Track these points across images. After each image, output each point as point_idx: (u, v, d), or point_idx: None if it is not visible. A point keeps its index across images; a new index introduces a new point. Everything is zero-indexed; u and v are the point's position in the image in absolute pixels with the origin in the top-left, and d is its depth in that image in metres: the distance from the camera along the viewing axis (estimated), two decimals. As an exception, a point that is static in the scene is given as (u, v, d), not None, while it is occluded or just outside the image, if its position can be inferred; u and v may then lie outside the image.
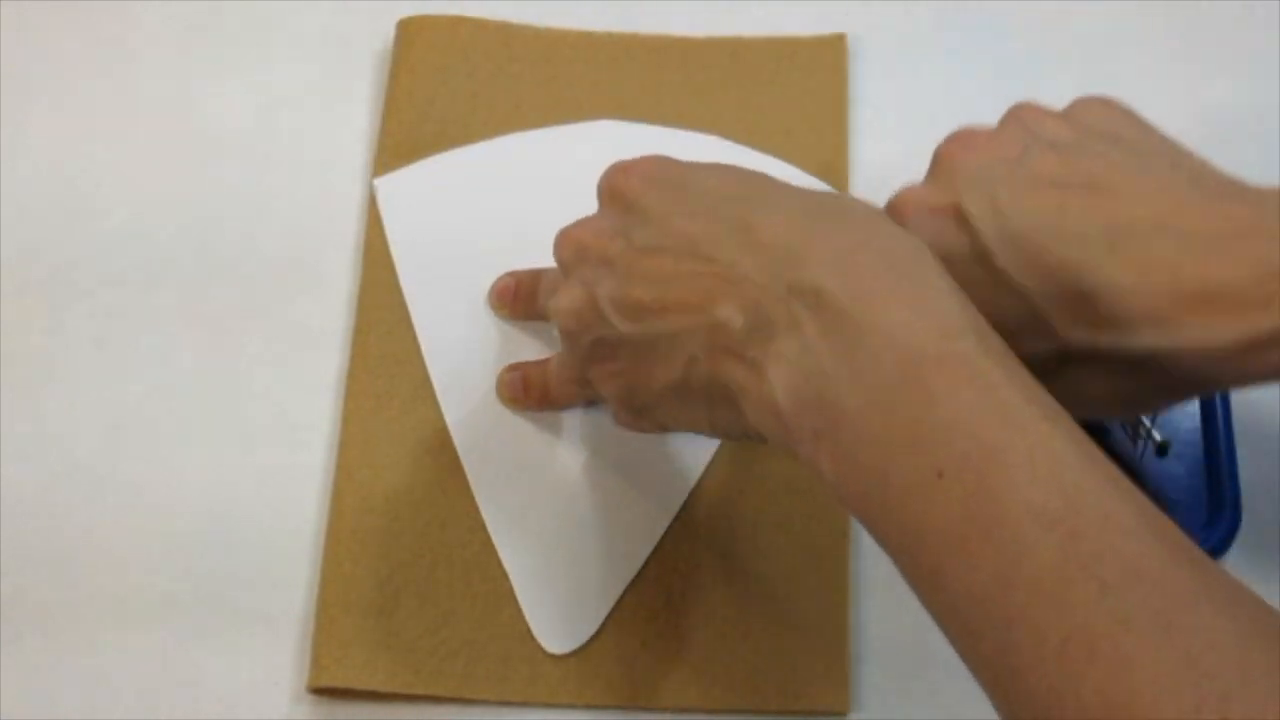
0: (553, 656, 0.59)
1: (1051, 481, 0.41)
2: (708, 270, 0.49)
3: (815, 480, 0.60)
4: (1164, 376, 0.49)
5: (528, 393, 0.62)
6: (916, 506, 0.42)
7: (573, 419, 0.63)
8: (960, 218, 0.51)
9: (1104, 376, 0.50)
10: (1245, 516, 0.60)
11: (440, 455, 0.62)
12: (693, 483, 0.62)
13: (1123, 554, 0.39)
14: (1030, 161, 0.52)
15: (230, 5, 0.75)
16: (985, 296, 0.48)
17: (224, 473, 0.63)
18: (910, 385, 0.43)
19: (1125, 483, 0.42)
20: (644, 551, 0.61)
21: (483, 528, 0.61)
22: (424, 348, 0.65)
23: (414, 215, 0.68)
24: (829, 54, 0.72)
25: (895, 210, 0.53)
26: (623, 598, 0.60)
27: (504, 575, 0.60)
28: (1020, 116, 0.55)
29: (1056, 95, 0.72)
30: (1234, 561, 0.60)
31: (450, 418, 0.63)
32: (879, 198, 0.54)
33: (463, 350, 0.64)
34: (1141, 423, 0.61)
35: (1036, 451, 0.41)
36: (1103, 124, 0.54)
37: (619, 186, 0.53)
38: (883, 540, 0.44)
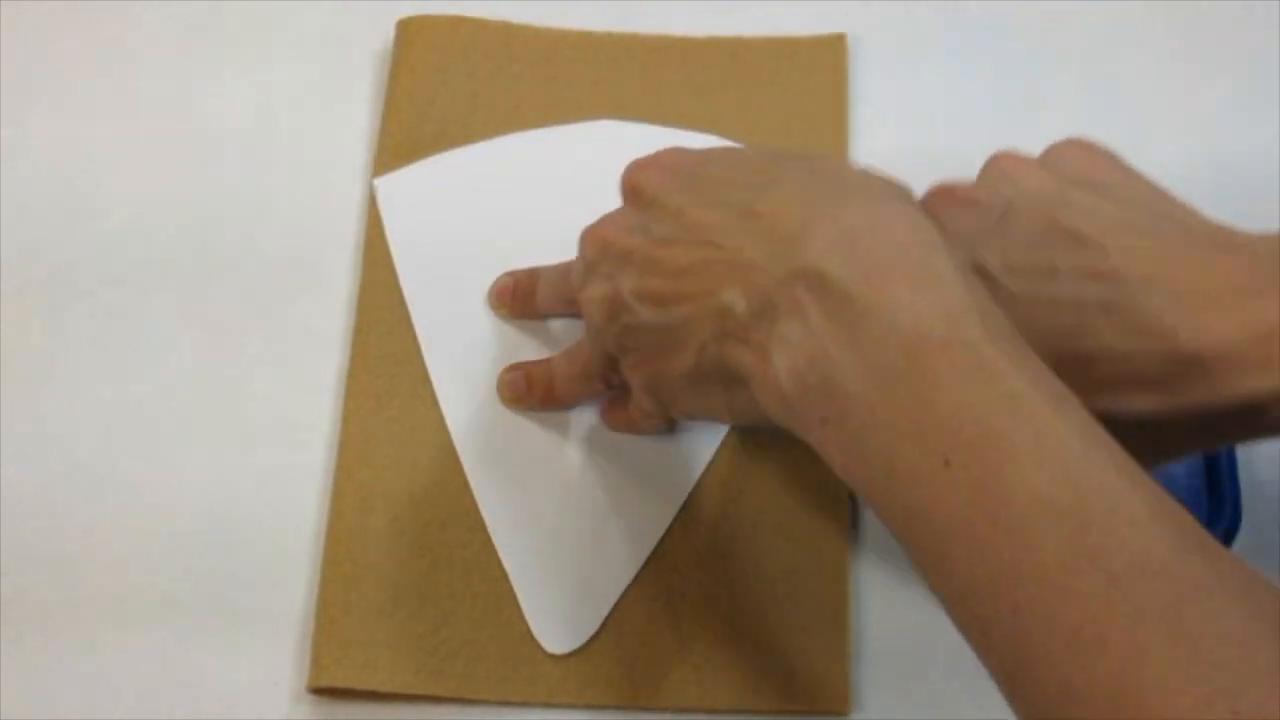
0: (553, 656, 0.59)
1: (1059, 470, 0.41)
2: (716, 257, 0.49)
3: (815, 480, 0.61)
4: (1165, 436, 0.49)
5: (530, 392, 0.62)
6: (923, 494, 0.42)
7: (573, 419, 0.63)
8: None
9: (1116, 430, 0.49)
10: (1245, 516, 0.60)
11: (440, 455, 0.62)
12: (693, 483, 0.62)
13: (1131, 544, 0.39)
14: (1014, 220, 0.51)
15: (230, 5, 0.75)
16: None
17: (224, 473, 0.63)
18: (914, 371, 0.43)
19: (1134, 468, 0.41)
20: (644, 551, 0.61)
21: (483, 528, 0.61)
22: (424, 348, 0.65)
23: (414, 215, 0.68)
24: (829, 54, 0.72)
25: None
26: (623, 598, 0.60)
27: (504, 575, 0.60)
28: (1001, 168, 0.54)
29: (1056, 95, 0.73)
30: (1234, 561, 0.60)
31: (450, 418, 0.63)
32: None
33: (463, 350, 0.64)
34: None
35: (1043, 439, 0.41)
36: (1084, 171, 0.53)
37: (639, 183, 0.53)
38: (891, 526, 0.44)
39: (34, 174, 0.70)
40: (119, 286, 0.67)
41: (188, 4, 0.75)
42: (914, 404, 0.43)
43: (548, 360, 0.63)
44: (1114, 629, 0.38)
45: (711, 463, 0.62)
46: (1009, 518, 0.40)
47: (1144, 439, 0.48)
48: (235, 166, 0.70)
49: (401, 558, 0.60)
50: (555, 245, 0.64)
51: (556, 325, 0.65)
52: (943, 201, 0.53)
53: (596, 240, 0.55)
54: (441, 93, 0.71)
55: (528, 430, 0.63)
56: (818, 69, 0.72)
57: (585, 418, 0.63)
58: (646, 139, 0.69)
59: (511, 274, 0.65)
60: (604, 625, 0.59)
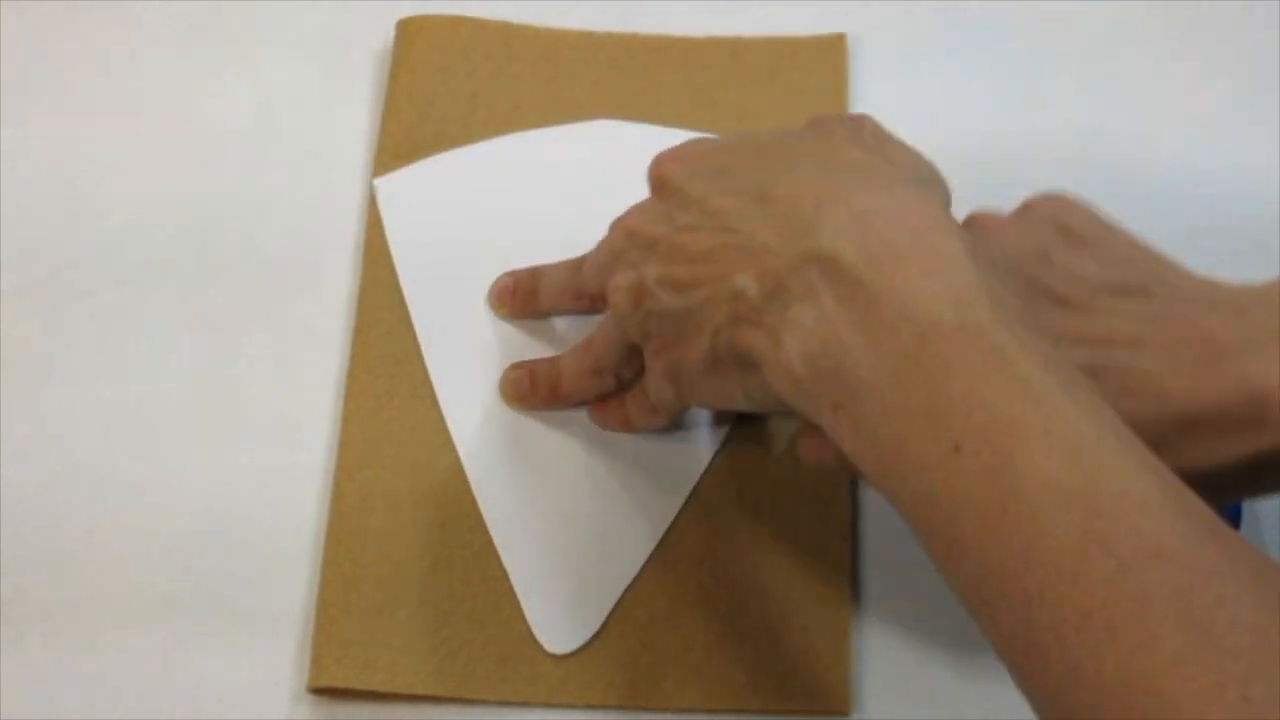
0: (553, 656, 0.59)
1: (1069, 456, 0.41)
2: (732, 242, 0.49)
3: (815, 480, 0.61)
4: None
5: (535, 390, 0.62)
6: (934, 480, 0.42)
7: (574, 419, 0.63)
8: None
9: None
10: (1245, 516, 0.60)
11: (440, 455, 0.62)
12: (693, 483, 0.62)
13: (1142, 531, 0.39)
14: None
15: (230, 5, 0.75)
16: None
17: (224, 473, 0.63)
18: (925, 356, 0.43)
19: (1144, 453, 0.42)
20: (644, 552, 0.61)
21: (483, 528, 0.61)
22: (424, 348, 0.65)
23: (414, 215, 0.68)
24: (829, 54, 0.72)
25: None
26: (623, 598, 0.60)
27: (504, 575, 0.60)
28: (979, 228, 0.54)
29: (1056, 95, 0.73)
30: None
31: (450, 418, 0.63)
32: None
33: (463, 350, 0.64)
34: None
35: (1054, 425, 0.41)
36: (1063, 227, 0.53)
37: (664, 174, 0.54)
38: (902, 511, 0.44)
39: (34, 174, 0.70)
40: (119, 286, 0.67)
41: (188, 4, 0.75)
42: (924, 389, 0.43)
43: (553, 358, 0.63)
44: (1124, 615, 0.38)
45: (712, 463, 0.62)
46: (1019, 504, 0.40)
47: None
48: (235, 166, 0.70)
49: (401, 558, 0.60)
50: (555, 245, 0.64)
51: (557, 325, 0.65)
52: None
53: (623, 230, 0.55)
54: (441, 93, 0.71)
55: (528, 430, 0.63)
56: (818, 69, 0.72)
57: (586, 418, 0.63)
58: (646, 139, 0.69)
59: (511, 274, 0.65)
60: (604, 625, 0.59)
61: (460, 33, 0.72)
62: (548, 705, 0.58)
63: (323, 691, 0.58)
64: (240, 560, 0.61)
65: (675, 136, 0.69)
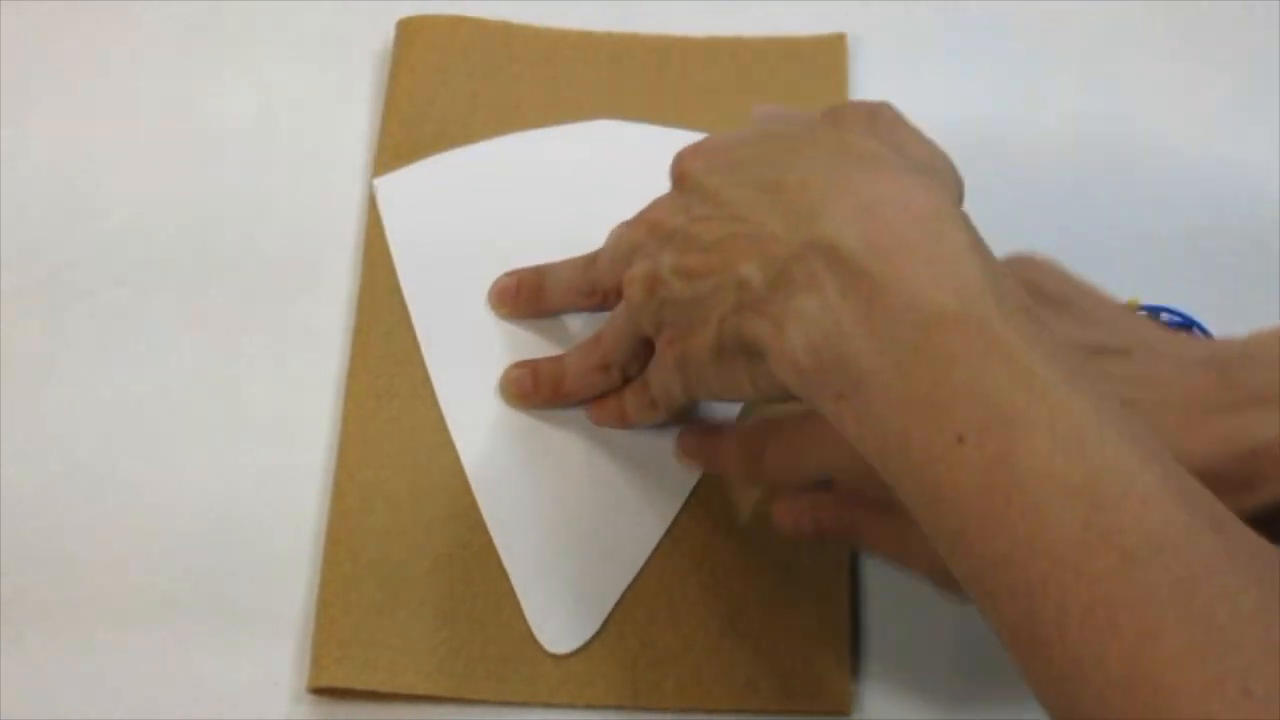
0: (553, 656, 0.59)
1: (1072, 448, 0.41)
2: (741, 231, 0.49)
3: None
4: None
5: (537, 389, 0.62)
6: (938, 471, 0.42)
7: (574, 419, 0.63)
8: None
9: None
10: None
11: (440, 455, 0.62)
12: (693, 483, 0.62)
13: (1144, 522, 0.39)
14: None
15: (230, 5, 0.75)
16: None
17: (224, 473, 0.63)
18: (928, 348, 0.43)
19: (1148, 444, 0.42)
20: (644, 552, 0.61)
21: (483, 528, 0.61)
22: (424, 348, 0.65)
23: (414, 215, 0.68)
24: (829, 54, 0.72)
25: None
26: (623, 598, 0.60)
27: (504, 575, 0.60)
28: None
29: (1056, 95, 0.73)
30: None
31: (451, 417, 0.63)
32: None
33: (463, 350, 0.64)
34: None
35: (1057, 416, 0.41)
36: (1038, 289, 0.53)
37: (684, 168, 0.54)
38: (906, 501, 0.44)
39: (34, 174, 0.70)
40: (119, 286, 0.67)
41: (188, 4, 0.75)
42: (928, 380, 0.43)
43: (556, 356, 0.63)
44: (1126, 608, 0.38)
45: (711, 463, 0.62)
46: (1022, 495, 0.41)
47: None
48: (235, 166, 0.70)
49: (401, 558, 0.60)
50: (555, 245, 0.64)
51: (558, 324, 0.65)
52: None
53: (644, 222, 0.55)
54: (441, 93, 0.71)
55: (528, 430, 0.63)
56: (818, 69, 0.72)
57: (587, 418, 0.63)
58: (646, 139, 0.70)
59: (513, 273, 0.65)
60: (604, 625, 0.59)
61: (460, 33, 0.72)
62: (548, 705, 0.58)
63: (323, 691, 0.58)
64: (240, 560, 0.61)
65: (675, 136, 0.69)
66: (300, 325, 0.66)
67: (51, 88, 0.72)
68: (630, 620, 0.59)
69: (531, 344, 0.64)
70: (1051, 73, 0.73)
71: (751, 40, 0.73)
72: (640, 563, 0.60)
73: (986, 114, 0.72)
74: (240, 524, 0.62)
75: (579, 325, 0.64)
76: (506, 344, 0.64)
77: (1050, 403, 0.42)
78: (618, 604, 0.60)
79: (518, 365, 0.63)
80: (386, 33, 0.73)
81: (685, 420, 0.61)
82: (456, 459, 0.62)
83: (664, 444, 0.62)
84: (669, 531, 0.61)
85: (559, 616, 0.59)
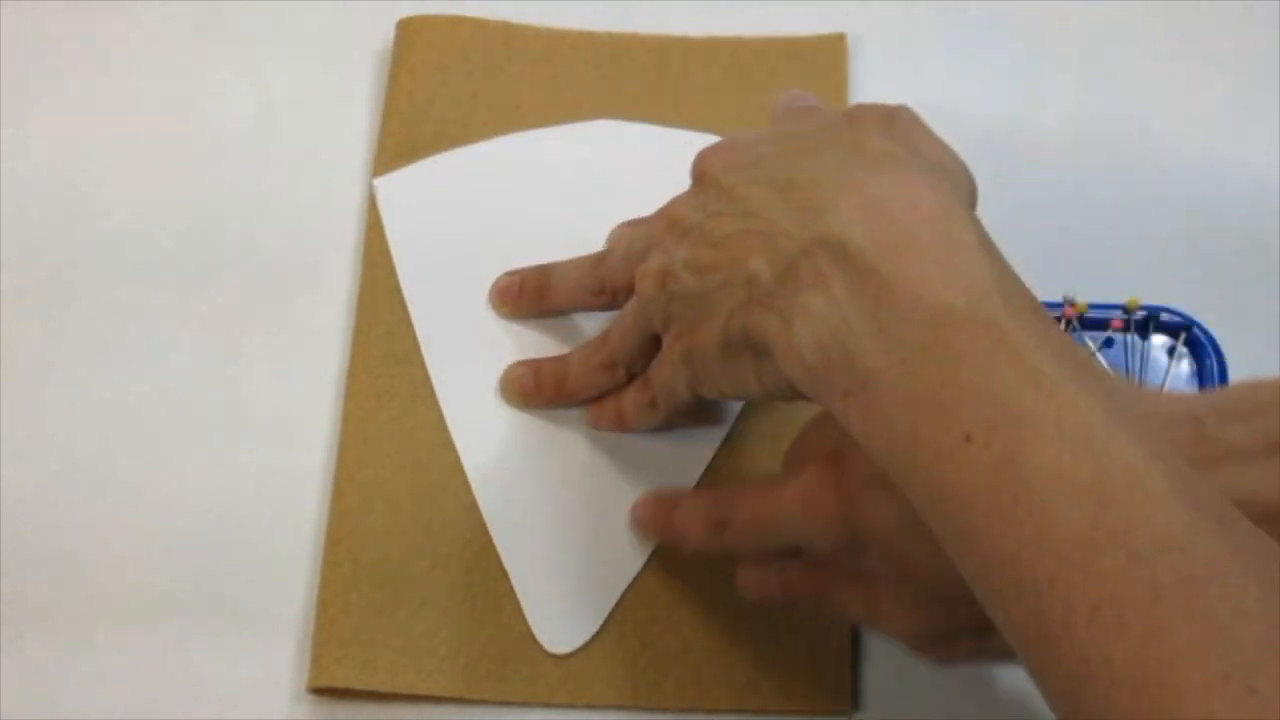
0: (553, 656, 0.59)
1: (1080, 447, 0.41)
2: (752, 227, 0.50)
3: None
4: None
5: (539, 388, 0.62)
6: (945, 469, 0.42)
7: (575, 419, 0.63)
8: (891, 486, 0.50)
9: None
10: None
11: (440, 455, 0.62)
12: (693, 482, 0.62)
13: (1152, 521, 0.39)
14: None
15: (230, 5, 0.75)
16: (936, 565, 0.47)
17: (224, 473, 0.63)
18: (936, 346, 0.43)
19: (1155, 442, 0.42)
20: (644, 551, 0.61)
21: (483, 528, 0.61)
22: (424, 348, 0.65)
23: (414, 215, 0.68)
24: (829, 54, 0.72)
25: (804, 499, 0.52)
26: (623, 598, 0.60)
27: (504, 575, 0.60)
28: None
29: (1056, 95, 0.73)
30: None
31: (451, 417, 0.63)
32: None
33: (463, 350, 0.64)
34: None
35: (1065, 415, 0.41)
36: None
37: (704, 167, 0.54)
38: (913, 500, 0.44)
39: (34, 174, 0.70)
40: (119, 286, 0.67)
41: (188, 4, 0.75)
42: (936, 379, 0.43)
43: (560, 356, 0.63)
44: (1133, 607, 0.38)
45: (712, 462, 0.62)
46: (1030, 494, 0.41)
47: None
48: (235, 166, 0.70)
49: (401, 558, 0.60)
50: (555, 245, 0.64)
51: (559, 325, 0.65)
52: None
53: (663, 218, 0.55)
54: (441, 93, 0.71)
55: (529, 430, 0.63)
56: (818, 69, 0.72)
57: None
58: (646, 139, 0.70)
59: (515, 272, 0.65)
60: (604, 625, 0.59)
61: (460, 33, 0.72)
62: (548, 705, 0.58)
63: (323, 691, 0.58)
64: (240, 560, 0.61)
65: (675, 136, 0.69)
66: (300, 325, 0.66)
67: (51, 88, 0.72)
68: (630, 620, 0.59)
69: (531, 344, 0.64)
70: (1051, 73, 0.73)
71: (751, 40, 0.73)
72: (640, 563, 0.60)
73: (986, 114, 0.72)
74: (240, 524, 0.62)
75: (580, 326, 0.64)
76: (506, 344, 0.64)
77: (1058, 402, 0.42)
78: (618, 604, 0.60)
79: (519, 364, 0.63)
80: (386, 33, 0.73)
81: (683, 424, 0.61)
82: (456, 459, 0.62)
83: (664, 444, 0.62)
84: (669, 531, 0.61)
85: (559, 616, 0.59)
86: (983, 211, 0.49)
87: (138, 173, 0.70)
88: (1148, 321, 0.65)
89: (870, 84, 0.72)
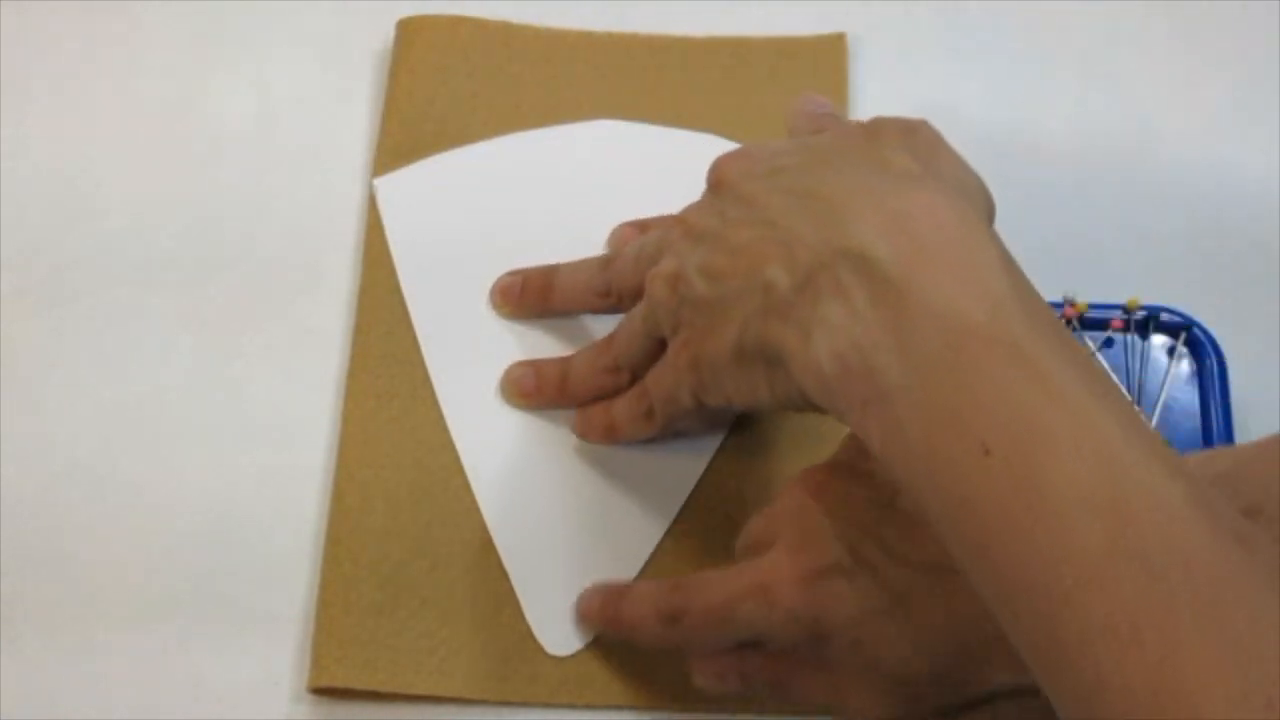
0: (553, 657, 0.59)
1: (1098, 463, 0.41)
2: (771, 235, 0.49)
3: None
4: None
5: (541, 389, 0.62)
6: (963, 483, 0.42)
7: (574, 420, 0.63)
8: (850, 574, 0.51)
9: (1036, 713, 0.48)
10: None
11: (440, 455, 0.62)
12: (693, 483, 0.62)
13: (1169, 537, 0.39)
14: (903, 502, 0.51)
15: (230, 5, 0.75)
16: (900, 652, 0.48)
17: (224, 473, 0.63)
18: (956, 361, 0.43)
19: (1173, 458, 0.42)
20: (644, 552, 0.61)
21: (483, 528, 0.61)
22: (424, 348, 0.65)
23: (414, 215, 0.68)
24: (829, 54, 0.72)
25: (761, 590, 0.51)
26: (623, 598, 0.60)
27: (504, 575, 0.60)
28: (859, 442, 0.53)
29: (1056, 95, 0.73)
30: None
31: (450, 418, 0.63)
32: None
33: (463, 350, 0.64)
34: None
35: (1083, 430, 0.41)
36: None
37: (721, 174, 0.54)
38: (929, 512, 0.44)
39: (34, 174, 0.70)
40: (119, 286, 0.67)
41: (188, 4, 0.75)
42: (955, 393, 0.43)
43: (563, 358, 0.63)
44: (1150, 621, 0.38)
45: (712, 463, 0.62)
46: (1047, 508, 0.41)
47: None
48: (235, 166, 0.70)
49: (401, 558, 0.60)
50: (555, 244, 0.64)
51: (559, 325, 0.65)
52: (815, 489, 0.53)
53: (678, 223, 0.55)
54: (441, 93, 0.71)
55: (529, 430, 0.63)
56: (818, 69, 0.72)
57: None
58: (646, 139, 0.70)
59: (518, 272, 0.65)
60: (604, 625, 0.59)
61: (460, 33, 0.72)
62: (548, 705, 0.58)
63: (323, 691, 0.58)
64: (240, 560, 0.61)
65: (675, 136, 0.69)
66: (300, 325, 0.66)
67: (51, 88, 0.72)
68: (630, 620, 0.59)
69: (532, 344, 0.64)
70: (1052, 73, 0.73)
71: (751, 40, 0.73)
72: (641, 563, 0.60)
73: (986, 114, 0.72)
74: (240, 524, 0.62)
75: (581, 327, 0.64)
76: (507, 344, 0.64)
77: (1076, 417, 0.42)
78: (618, 604, 0.60)
79: (520, 364, 0.63)
80: (386, 33, 0.73)
81: (676, 436, 0.61)
82: (456, 459, 0.62)
83: (663, 445, 0.62)
84: (669, 532, 0.61)
85: (559, 617, 0.59)
86: (982, 211, 0.50)
87: (138, 173, 0.70)
88: (1148, 321, 0.65)
89: (870, 84, 0.72)
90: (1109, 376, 0.44)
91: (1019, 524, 0.41)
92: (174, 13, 0.74)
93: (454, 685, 0.58)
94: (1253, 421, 0.63)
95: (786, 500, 0.53)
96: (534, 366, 0.63)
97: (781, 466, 0.62)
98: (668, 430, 0.60)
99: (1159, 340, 0.65)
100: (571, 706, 0.58)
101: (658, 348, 0.57)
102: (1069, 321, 0.64)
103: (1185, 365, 0.64)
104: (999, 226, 0.50)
